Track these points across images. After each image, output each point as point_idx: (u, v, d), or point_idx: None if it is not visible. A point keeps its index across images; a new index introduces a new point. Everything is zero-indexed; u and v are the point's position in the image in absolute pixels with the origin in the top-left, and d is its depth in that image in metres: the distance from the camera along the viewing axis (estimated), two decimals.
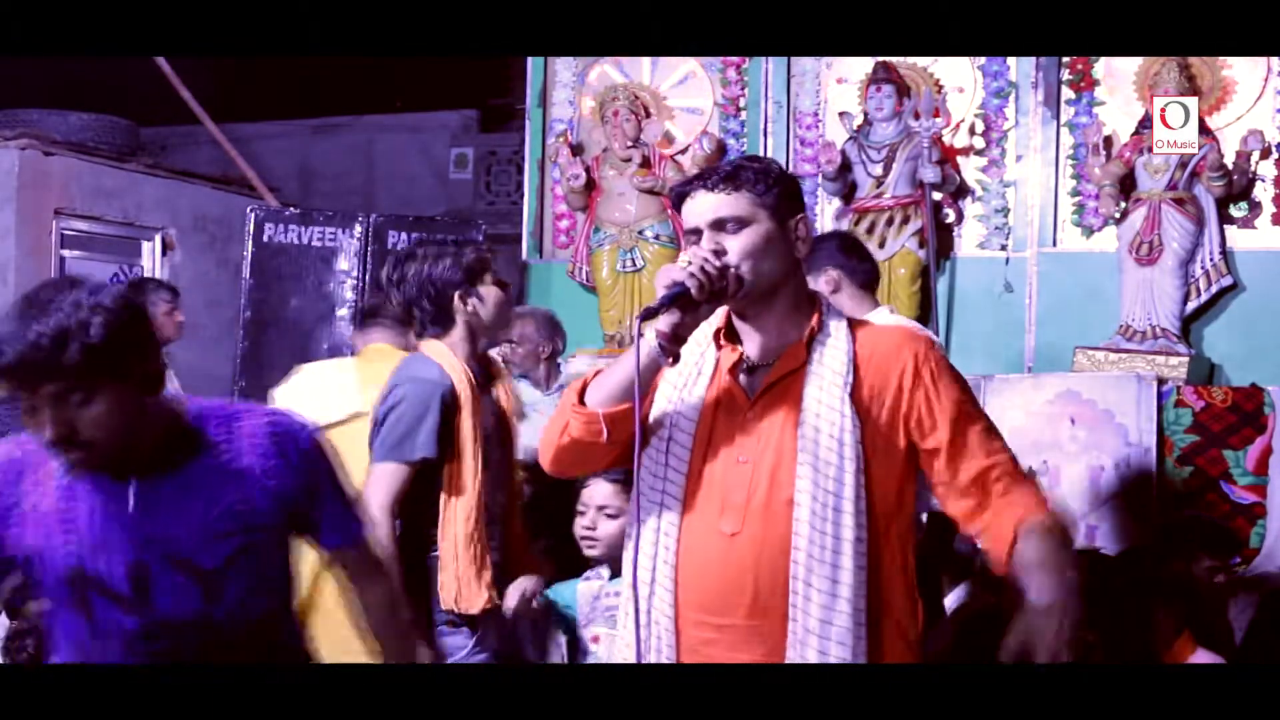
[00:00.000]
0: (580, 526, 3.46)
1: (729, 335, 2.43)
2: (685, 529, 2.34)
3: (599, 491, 3.43)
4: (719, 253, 2.31)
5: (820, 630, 2.25)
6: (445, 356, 3.33)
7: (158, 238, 8.22)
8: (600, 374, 2.38)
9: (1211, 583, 4.28)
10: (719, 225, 2.34)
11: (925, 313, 5.91)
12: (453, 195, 12.53)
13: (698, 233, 2.36)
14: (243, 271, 6.59)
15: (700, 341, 2.43)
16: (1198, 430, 5.29)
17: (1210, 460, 5.27)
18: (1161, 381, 5.39)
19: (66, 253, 7.63)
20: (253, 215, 6.57)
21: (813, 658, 2.25)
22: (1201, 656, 3.57)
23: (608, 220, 6.37)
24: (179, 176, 8.54)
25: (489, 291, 3.37)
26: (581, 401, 2.37)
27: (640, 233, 6.29)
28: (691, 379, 2.41)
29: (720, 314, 2.42)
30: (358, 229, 6.52)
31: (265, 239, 6.51)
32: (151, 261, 8.20)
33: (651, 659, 2.33)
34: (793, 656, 2.27)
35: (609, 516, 3.40)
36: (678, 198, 2.42)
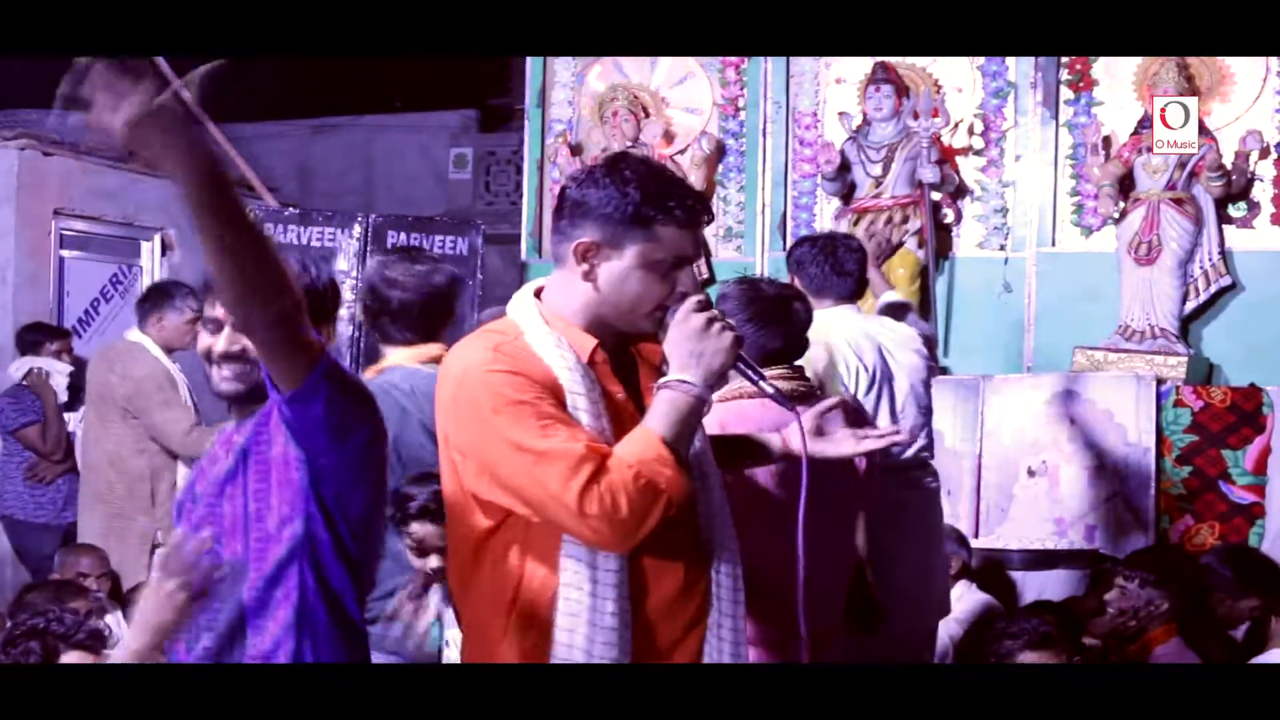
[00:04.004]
0: None
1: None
2: None
3: None
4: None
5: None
6: None
7: (157, 238, 8.21)
8: (680, 438, 2.14)
9: (1249, 618, 3.89)
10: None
11: (925, 312, 5.90)
12: (452, 195, 12.53)
13: (686, 262, 2.23)
14: None
15: (558, 357, 2.20)
16: (1196, 430, 5.30)
17: (1209, 460, 5.28)
18: (1160, 381, 5.39)
19: (66, 253, 7.63)
20: (252, 215, 6.56)
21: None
22: (1175, 650, 3.56)
23: None
24: None
25: None
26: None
27: None
28: (588, 390, 2.20)
29: (578, 331, 2.22)
30: (357, 229, 6.52)
31: None
32: (151, 262, 8.19)
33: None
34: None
35: None
36: (692, 217, 2.21)
